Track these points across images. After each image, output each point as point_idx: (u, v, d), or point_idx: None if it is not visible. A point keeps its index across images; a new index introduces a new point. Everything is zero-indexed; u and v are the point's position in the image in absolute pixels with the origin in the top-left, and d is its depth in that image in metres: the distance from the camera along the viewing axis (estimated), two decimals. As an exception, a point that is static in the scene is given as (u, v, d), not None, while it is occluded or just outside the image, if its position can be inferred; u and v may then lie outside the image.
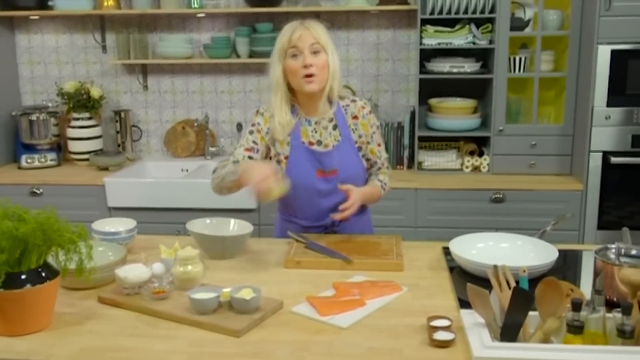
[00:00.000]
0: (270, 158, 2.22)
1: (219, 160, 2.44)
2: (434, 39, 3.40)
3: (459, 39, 3.39)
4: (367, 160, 2.27)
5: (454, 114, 3.53)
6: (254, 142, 2.18)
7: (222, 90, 3.95)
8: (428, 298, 1.75)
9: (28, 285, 1.50)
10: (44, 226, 1.52)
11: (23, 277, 1.51)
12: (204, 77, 3.95)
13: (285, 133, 2.16)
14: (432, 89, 3.57)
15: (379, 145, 2.28)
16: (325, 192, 2.19)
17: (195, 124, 3.86)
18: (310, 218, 2.24)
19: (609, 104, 3.14)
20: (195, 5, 3.66)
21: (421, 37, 3.41)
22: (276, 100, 2.15)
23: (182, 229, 2.86)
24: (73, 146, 3.85)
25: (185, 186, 3.39)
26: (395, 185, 2.82)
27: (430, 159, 3.54)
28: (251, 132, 2.19)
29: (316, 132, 2.19)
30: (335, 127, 2.20)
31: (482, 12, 3.34)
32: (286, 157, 2.18)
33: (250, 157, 2.15)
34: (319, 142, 2.19)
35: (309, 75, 2.07)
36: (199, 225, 2.17)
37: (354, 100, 2.24)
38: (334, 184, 2.17)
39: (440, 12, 3.37)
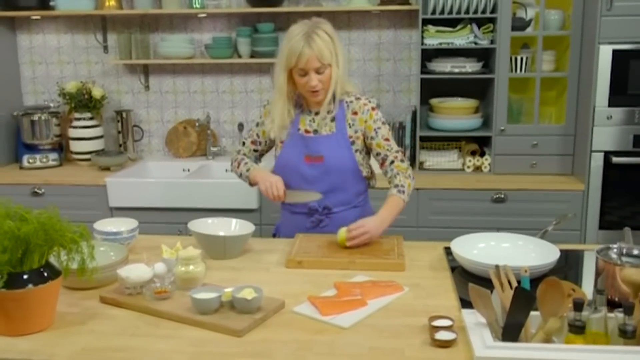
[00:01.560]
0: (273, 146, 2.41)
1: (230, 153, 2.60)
2: (435, 39, 3.40)
3: (461, 39, 3.39)
4: (377, 155, 2.30)
5: (456, 114, 3.53)
6: (257, 135, 2.41)
7: (223, 90, 3.95)
8: (429, 298, 1.75)
9: (30, 285, 1.51)
10: (46, 226, 1.52)
11: (25, 277, 1.51)
12: (205, 77, 3.95)
13: (281, 134, 2.30)
14: (433, 89, 3.57)
15: (387, 139, 2.28)
16: (310, 178, 2.27)
17: (197, 124, 3.86)
18: (298, 204, 2.32)
19: (610, 104, 3.14)
20: (197, 6, 3.66)
21: (422, 37, 3.41)
22: (277, 106, 2.28)
23: (184, 228, 2.87)
24: (74, 146, 3.85)
25: (186, 186, 3.39)
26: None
27: (431, 159, 3.54)
28: (257, 125, 2.42)
29: (314, 122, 2.30)
30: (332, 120, 2.28)
31: (484, 12, 3.34)
32: (282, 142, 2.33)
33: (255, 150, 2.43)
34: (315, 131, 2.29)
35: (315, 91, 2.20)
36: (200, 225, 2.17)
37: (358, 98, 2.30)
38: (320, 171, 2.25)
39: (442, 12, 3.37)
